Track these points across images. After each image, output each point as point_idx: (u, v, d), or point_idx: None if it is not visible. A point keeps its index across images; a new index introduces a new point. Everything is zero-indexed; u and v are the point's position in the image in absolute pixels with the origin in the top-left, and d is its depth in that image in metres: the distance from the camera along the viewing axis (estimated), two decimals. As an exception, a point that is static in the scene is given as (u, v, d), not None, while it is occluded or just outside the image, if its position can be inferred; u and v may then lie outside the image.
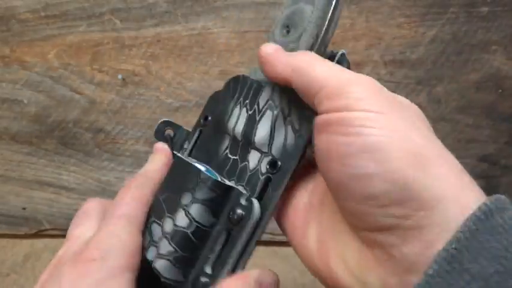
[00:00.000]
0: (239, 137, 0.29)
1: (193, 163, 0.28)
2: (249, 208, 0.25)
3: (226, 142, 0.30)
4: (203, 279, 0.26)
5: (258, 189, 0.27)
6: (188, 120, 0.55)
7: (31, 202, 0.65)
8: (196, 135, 0.33)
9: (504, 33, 0.52)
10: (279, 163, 0.27)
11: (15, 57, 0.59)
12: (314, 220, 0.26)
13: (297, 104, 0.26)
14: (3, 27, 0.58)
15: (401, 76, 0.55)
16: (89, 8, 0.56)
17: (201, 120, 0.34)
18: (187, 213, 0.26)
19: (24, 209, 0.66)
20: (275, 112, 0.27)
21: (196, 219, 0.26)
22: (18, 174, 0.64)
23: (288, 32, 0.29)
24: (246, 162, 0.28)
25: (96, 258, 0.24)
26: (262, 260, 0.62)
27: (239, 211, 0.25)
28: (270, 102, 0.28)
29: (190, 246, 0.26)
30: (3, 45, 0.59)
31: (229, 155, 0.29)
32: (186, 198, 0.26)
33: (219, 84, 0.58)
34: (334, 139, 0.21)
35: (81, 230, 0.28)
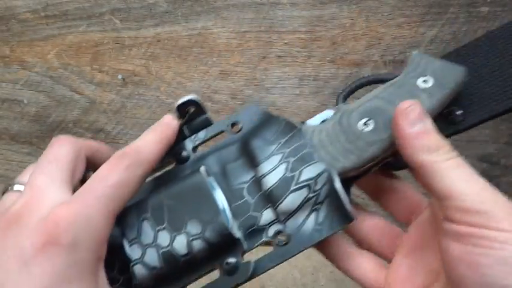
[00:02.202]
0: (264, 187, 0.27)
1: (215, 196, 0.27)
2: (245, 268, 0.26)
3: (248, 178, 0.28)
4: None
5: (256, 246, 0.28)
6: (188, 120, 0.55)
7: (31, 202, 0.65)
8: (215, 133, 0.31)
9: (504, 33, 0.52)
10: (287, 240, 0.27)
11: (15, 57, 0.59)
12: None
13: (334, 200, 0.26)
14: (3, 27, 0.58)
15: (402, 76, 0.55)
16: (89, 8, 0.56)
17: (229, 124, 0.31)
18: (189, 243, 0.26)
19: (24, 209, 0.66)
20: (310, 195, 0.27)
21: (195, 253, 0.26)
22: (18, 174, 0.64)
23: (365, 123, 0.27)
24: (258, 215, 0.27)
25: (62, 241, 0.21)
26: (262, 260, 0.62)
27: (234, 266, 0.26)
28: (311, 182, 0.27)
29: (178, 272, 0.26)
30: (3, 45, 0.59)
31: (245, 193, 0.28)
32: (193, 228, 0.26)
33: (219, 84, 0.58)
34: (471, 250, 0.22)
35: (41, 181, 0.24)
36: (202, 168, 0.28)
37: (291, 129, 0.28)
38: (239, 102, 0.57)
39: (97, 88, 0.59)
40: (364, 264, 0.29)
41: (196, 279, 0.27)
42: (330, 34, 0.53)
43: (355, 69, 0.54)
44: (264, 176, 0.28)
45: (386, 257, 0.29)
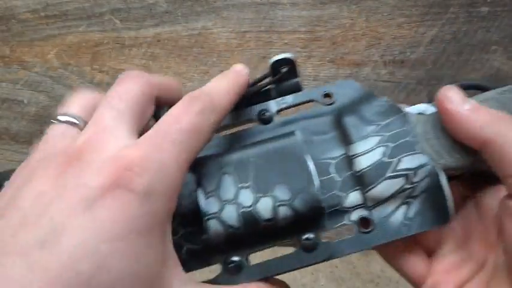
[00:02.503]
0: (355, 168, 0.26)
1: (309, 164, 0.25)
2: (324, 248, 0.25)
3: (337, 154, 0.26)
4: (234, 259, 0.25)
5: (335, 228, 0.26)
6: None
7: (31, 202, 0.65)
8: (304, 100, 0.28)
9: (504, 33, 0.52)
10: (372, 230, 0.25)
11: (15, 57, 0.59)
12: None
13: (432, 197, 0.25)
14: (3, 27, 0.58)
15: (401, 76, 0.55)
16: (89, 8, 0.56)
17: (322, 94, 0.28)
18: (274, 208, 0.24)
19: (24, 209, 0.66)
20: (406, 186, 0.25)
21: (279, 220, 0.24)
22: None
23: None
24: (344, 195, 0.26)
25: (136, 188, 0.18)
26: (263, 260, 0.62)
27: (314, 243, 0.25)
28: (410, 173, 0.25)
29: (254, 237, 0.25)
30: (3, 45, 0.59)
31: (331, 170, 0.26)
32: (282, 193, 0.24)
33: (219, 84, 0.58)
34: None
35: (109, 118, 0.20)
36: (298, 133, 0.26)
37: (395, 112, 0.26)
38: (239, 102, 0.57)
39: (97, 88, 0.59)
40: (411, 257, 0.28)
41: (262, 249, 0.26)
42: (330, 34, 0.53)
43: (355, 69, 0.54)
44: (356, 155, 0.26)
45: (431, 250, 0.28)
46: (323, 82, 0.55)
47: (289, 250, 0.26)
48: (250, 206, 0.24)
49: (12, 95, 0.60)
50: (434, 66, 0.54)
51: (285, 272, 0.25)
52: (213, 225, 0.24)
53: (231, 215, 0.24)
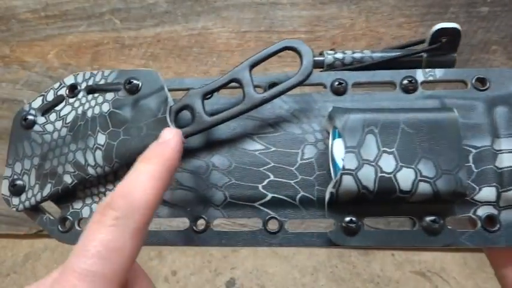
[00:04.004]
0: (497, 164, 0.25)
1: (463, 146, 0.24)
2: (449, 234, 0.24)
3: (480, 144, 0.25)
4: (353, 219, 0.25)
5: (458, 218, 0.25)
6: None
7: (31, 202, 0.65)
8: (455, 78, 0.26)
9: (504, 33, 0.52)
10: (497, 230, 0.25)
11: (15, 57, 0.59)
12: None
13: None
14: (3, 27, 0.58)
15: (401, 76, 0.55)
16: (89, 8, 0.56)
17: (475, 77, 0.26)
18: (415, 182, 0.23)
19: (24, 209, 0.66)
20: None
21: (416, 195, 0.23)
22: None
23: None
24: (476, 188, 0.25)
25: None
26: (263, 260, 0.62)
27: (440, 227, 0.24)
28: None
29: (384, 204, 0.24)
30: (3, 45, 0.59)
31: (470, 158, 0.25)
32: (427, 169, 0.23)
33: (219, 84, 0.58)
34: None
35: None
36: (455, 111, 0.24)
37: None
38: (239, 102, 0.57)
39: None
40: None
41: (380, 217, 0.25)
42: (330, 34, 0.53)
43: (355, 69, 0.54)
44: (501, 152, 0.25)
45: None
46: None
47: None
48: (391, 173, 0.23)
49: (12, 95, 0.60)
50: (434, 66, 0.54)
51: (399, 246, 0.25)
52: (348, 182, 0.23)
53: (368, 176, 0.23)
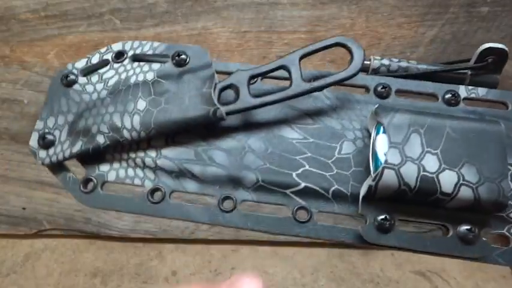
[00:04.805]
0: None
1: (508, 156, 0.24)
2: (483, 246, 0.24)
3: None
4: (387, 217, 0.24)
5: (488, 234, 0.25)
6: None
7: (31, 202, 0.65)
8: (497, 98, 0.27)
9: (504, 33, 0.52)
10: None
11: (15, 57, 0.59)
12: None
13: None
14: (3, 27, 0.58)
15: (402, 76, 0.55)
16: (89, 8, 0.56)
17: None
18: (457, 185, 0.23)
19: (24, 209, 0.66)
20: None
21: (456, 199, 0.23)
22: (18, 174, 0.64)
23: None
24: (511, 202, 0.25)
25: None
26: (263, 261, 0.62)
27: (474, 237, 0.24)
28: None
29: (420, 205, 0.24)
30: (3, 45, 0.59)
31: (509, 176, 0.25)
32: (470, 174, 0.23)
33: (219, 84, 0.58)
34: None
35: None
36: (502, 124, 0.25)
37: None
38: (239, 102, 0.57)
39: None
40: None
41: (413, 220, 0.25)
42: (330, 34, 0.53)
43: (355, 69, 0.54)
44: None
45: None
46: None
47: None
48: (433, 173, 0.23)
49: (12, 95, 0.60)
50: (434, 66, 0.54)
51: (431, 254, 0.25)
52: (389, 176, 0.23)
53: (411, 173, 0.23)
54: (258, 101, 0.25)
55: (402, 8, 0.52)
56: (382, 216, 0.24)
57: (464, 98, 0.27)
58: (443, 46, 0.53)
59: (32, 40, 0.58)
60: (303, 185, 0.26)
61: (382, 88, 0.28)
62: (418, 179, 0.23)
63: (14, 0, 0.57)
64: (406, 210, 0.25)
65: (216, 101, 0.25)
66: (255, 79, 0.27)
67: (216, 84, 0.26)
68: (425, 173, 0.23)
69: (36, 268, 0.66)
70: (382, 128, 0.25)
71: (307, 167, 0.26)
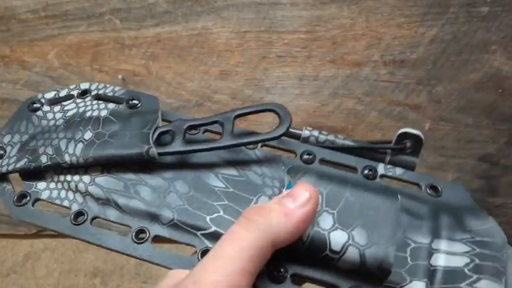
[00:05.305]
0: (431, 261, 0.26)
1: (398, 231, 0.26)
2: None
3: (419, 240, 0.27)
4: (281, 270, 0.26)
5: None
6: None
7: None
8: (411, 180, 0.30)
9: (504, 33, 0.52)
10: None
11: (15, 57, 0.59)
12: None
13: None
14: (3, 27, 0.58)
15: (401, 76, 0.55)
16: (89, 8, 0.56)
17: (429, 185, 0.29)
18: (346, 245, 0.25)
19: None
20: None
21: (342, 259, 0.25)
22: (18, 174, 0.64)
23: None
24: (408, 279, 0.26)
25: None
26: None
27: None
28: None
29: (310, 259, 0.26)
30: (3, 45, 0.59)
31: (408, 251, 0.26)
32: (359, 236, 0.25)
33: (219, 84, 0.58)
34: None
35: None
36: (399, 197, 0.27)
37: (497, 237, 0.27)
38: (239, 102, 0.57)
39: (97, 88, 0.59)
40: None
41: (305, 279, 0.26)
42: (330, 34, 0.53)
43: (355, 69, 0.54)
44: (438, 251, 0.26)
45: None
46: (323, 82, 0.55)
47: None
48: (325, 230, 0.25)
49: (12, 95, 0.61)
50: (434, 66, 0.54)
51: None
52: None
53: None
54: (188, 147, 0.28)
55: (402, 8, 0.52)
56: (278, 268, 0.26)
57: (382, 175, 0.30)
58: (443, 46, 0.53)
59: (32, 40, 0.58)
60: (213, 229, 0.27)
61: (307, 155, 0.30)
62: (310, 234, 0.25)
63: (14, 0, 0.57)
64: (301, 265, 0.26)
65: (151, 141, 0.28)
66: (197, 129, 0.31)
67: (157, 127, 0.29)
68: (318, 229, 0.25)
69: (36, 268, 0.66)
70: (291, 184, 0.27)
71: (221, 213, 0.28)
